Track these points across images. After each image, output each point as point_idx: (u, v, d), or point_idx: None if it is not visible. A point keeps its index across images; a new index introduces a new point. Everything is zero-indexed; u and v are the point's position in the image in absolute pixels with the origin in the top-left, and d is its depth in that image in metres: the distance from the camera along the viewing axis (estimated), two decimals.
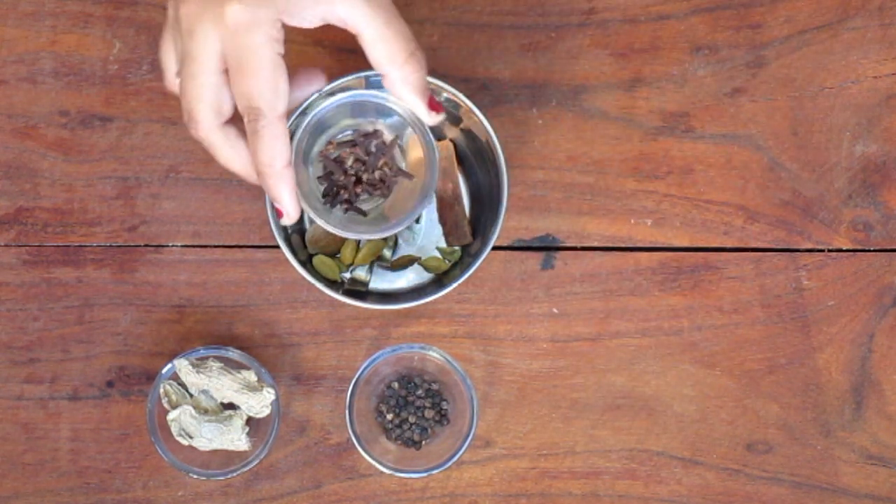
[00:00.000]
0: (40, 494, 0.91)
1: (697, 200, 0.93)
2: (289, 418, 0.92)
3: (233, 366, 0.87)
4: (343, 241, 0.89)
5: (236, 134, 0.74)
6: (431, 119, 0.75)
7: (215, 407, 0.88)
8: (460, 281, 0.84)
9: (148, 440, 0.90)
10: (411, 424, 0.90)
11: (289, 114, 0.73)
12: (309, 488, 0.92)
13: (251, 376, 0.87)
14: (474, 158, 0.89)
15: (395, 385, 0.91)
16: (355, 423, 0.88)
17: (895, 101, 0.94)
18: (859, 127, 0.93)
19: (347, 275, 0.90)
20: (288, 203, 0.73)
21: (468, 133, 0.88)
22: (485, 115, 0.84)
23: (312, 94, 0.78)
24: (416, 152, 0.90)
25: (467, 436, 0.87)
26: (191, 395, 0.87)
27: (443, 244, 0.91)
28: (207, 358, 0.87)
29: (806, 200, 0.93)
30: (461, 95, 0.84)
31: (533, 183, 0.93)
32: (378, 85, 0.86)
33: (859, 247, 0.93)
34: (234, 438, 0.87)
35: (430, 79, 0.84)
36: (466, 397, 0.88)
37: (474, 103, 0.84)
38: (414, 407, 0.91)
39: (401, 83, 0.73)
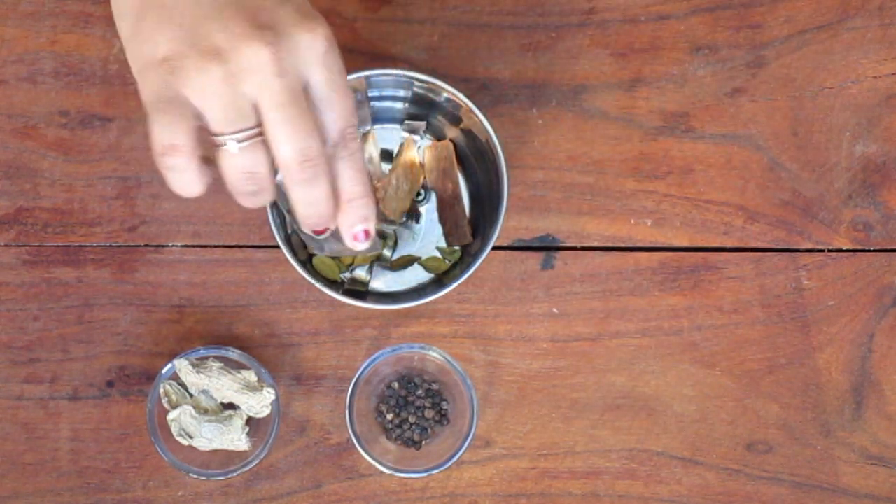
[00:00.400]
0: (40, 494, 0.91)
1: (697, 200, 0.93)
2: (289, 418, 0.92)
3: (233, 366, 0.87)
4: None
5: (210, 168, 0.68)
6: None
7: (215, 407, 0.88)
8: (460, 281, 0.84)
9: (148, 440, 0.90)
10: (411, 424, 0.90)
11: None
12: (309, 488, 0.92)
13: (251, 376, 0.87)
14: (474, 158, 0.90)
15: (395, 385, 0.91)
16: (355, 423, 0.88)
17: (895, 101, 0.94)
18: (859, 127, 0.93)
19: (347, 275, 0.90)
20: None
21: (468, 133, 0.88)
22: (485, 115, 0.84)
23: None
24: (409, 154, 0.90)
25: (467, 436, 0.87)
26: (191, 395, 0.87)
27: (443, 244, 0.91)
28: (207, 358, 0.87)
29: (806, 200, 0.93)
30: (461, 95, 0.84)
31: (533, 183, 0.93)
32: (379, 84, 0.87)
33: (859, 247, 0.93)
34: (234, 438, 0.87)
35: (430, 79, 0.84)
36: (466, 397, 0.88)
37: (474, 103, 0.84)
38: (414, 407, 0.91)
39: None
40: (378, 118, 0.91)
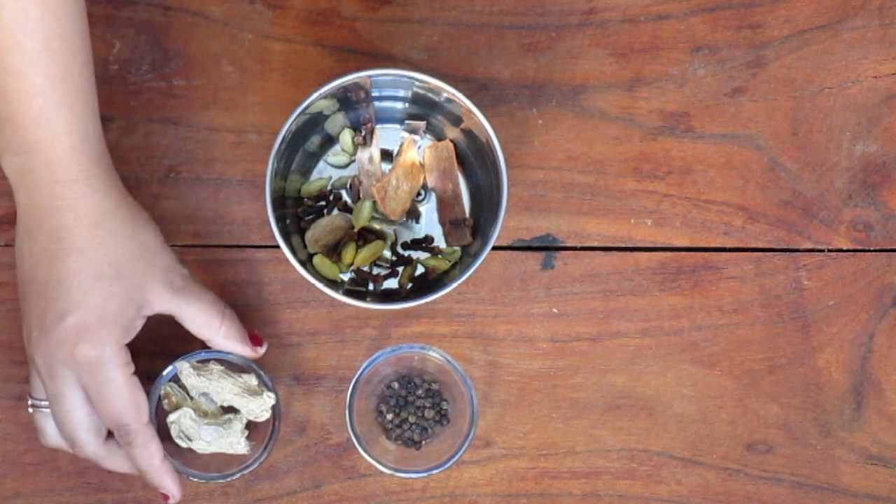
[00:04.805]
0: (40, 494, 0.91)
1: (697, 200, 0.93)
2: (289, 418, 0.92)
3: (234, 369, 0.87)
4: (343, 240, 0.89)
5: (117, 445, 0.84)
6: (257, 352, 0.86)
7: (215, 410, 0.88)
8: (460, 281, 0.84)
9: None
10: (411, 424, 0.90)
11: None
12: (309, 488, 0.92)
13: (251, 380, 0.87)
14: (474, 158, 0.89)
15: (395, 385, 0.91)
16: (355, 423, 0.88)
17: (895, 101, 0.94)
18: (859, 127, 0.93)
19: (348, 275, 0.90)
20: (172, 487, 0.84)
21: (468, 133, 0.88)
22: (485, 115, 0.84)
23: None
24: (409, 154, 0.90)
25: (467, 436, 0.87)
26: (191, 398, 0.87)
27: (443, 244, 0.91)
28: (208, 361, 0.87)
29: (806, 200, 0.93)
30: (461, 95, 0.84)
31: (533, 183, 0.93)
32: (379, 84, 0.87)
33: (859, 247, 0.93)
34: (234, 442, 0.87)
35: (430, 79, 0.84)
36: (466, 397, 0.88)
37: (474, 103, 0.84)
38: (414, 407, 0.91)
39: (224, 340, 0.85)
40: (378, 118, 0.91)
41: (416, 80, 0.85)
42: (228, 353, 0.86)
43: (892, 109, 0.94)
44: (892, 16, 0.94)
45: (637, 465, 0.92)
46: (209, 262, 0.92)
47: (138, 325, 0.82)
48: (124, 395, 0.81)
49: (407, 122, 0.91)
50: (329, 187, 0.91)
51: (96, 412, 0.82)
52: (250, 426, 0.88)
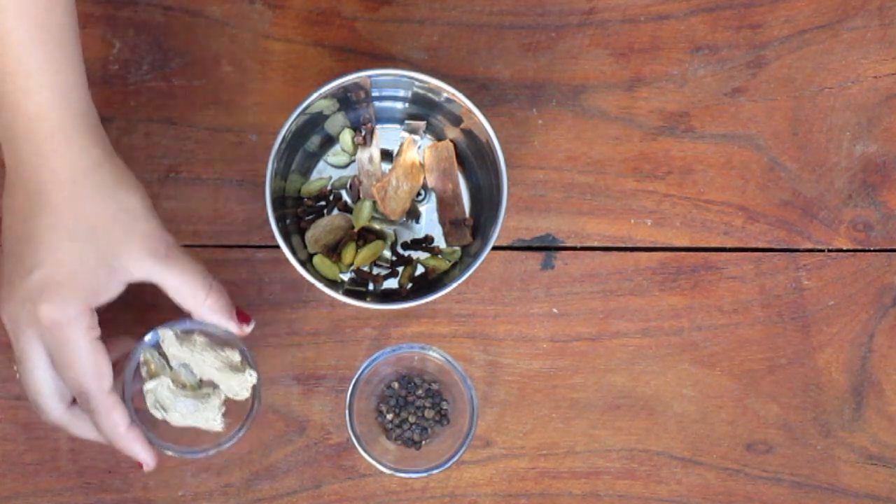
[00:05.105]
0: (40, 494, 0.91)
1: (697, 200, 0.93)
2: (289, 418, 0.92)
3: (217, 343, 0.84)
4: (343, 240, 0.89)
5: (81, 412, 0.80)
6: (244, 330, 0.83)
7: (194, 383, 0.84)
8: (460, 281, 0.84)
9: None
10: (411, 424, 0.90)
11: (120, 373, 0.81)
12: (309, 488, 0.92)
13: (235, 356, 0.84)
14: (474, 158, 0.89)
15: (395, 385, 0.91)
16: (355, 423, 0.88)
17: (895, 101, 0.94)
18: (859, 127, 0.93)
19: (347, 275, 0.90)
20: (143, 454, 0.81)
21: (468, 133, 0.88)
22: (485, 115, 0.84)
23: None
24: (409, 154, 0.90)
25: (467, 436, 0.87)
26: (171, 368, 0.84)
27: (443, 244, 0.91)
28: (193, 332, 0.83)
29: (806, 200, 0.93)
30: (461, 95, 0.84)
31: (533, 183, 0.93)
32: (379, 84, 0.87)
33: (859, 247, 0.93)
34: (210, 417, 0.83)
35: (430, 79, 0.84)
36: (466, 397, 0.88)
37: (474, 103, 0.84)
38: (414, 407, 0.91)
39: (210, 313, 0.81)
40: (378, 118, 0.91)
41: (416, 80, 0.85)
42: (214, 327, 0.83)
43: (892, 109, 0.94)
44: (892, 16, 0.94)
45: (637, 465, 0.92)
46: (209, 262, 0.92)
47: (113, 289, 0.79)
48: (85, 360, 0.77)
49: (407, 122, 0.91)
50: (329, 187, 0.91)
51: (60, 376, 0.79)
52: (228, 405, 0.85)
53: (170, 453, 0.83)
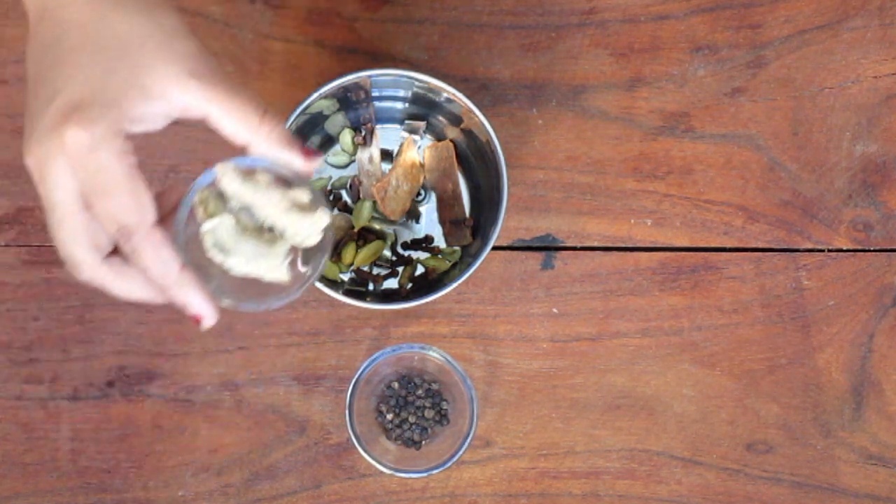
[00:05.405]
0: (40, 494, 0.91)
1: (697, 200, 0.93)
2: (289, 418, 0.92)
3: (282, 182, 0.70)
4: (343, 240, 0.89)
5: (121, 262, 0.68)
6: (308, 166, 0.70)
7: (257, 227, 0.71)
8: (460, 281, 0.84)
9: (148, 440, 0.90)
10: (411, 424, 0.90)
11: (167, 218, 0.69)
12: (309, 488, 0.92)
13: (303, 196, 0.70)
14: (474, 158, 0.90)
15: (395, 385, 0.91)
16: (355, 423, 0.88)
17: (895, 101, 0.94)
18: (859, 127, 0.93)
19: (347, 275, 0.90)
20: (201, 306, 0.68)
21: (468, 133, 0.88)
22: (485, 115, 0.84)
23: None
24: (409, 154, 0.90)
25: (467, 436, 0.87)
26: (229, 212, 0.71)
27: (443, 244, 0.91)
28: (255, 171, 0.70)
29: (806, 200, 0.93)
30: (461, 95, 0.84)
31: (533, 183, 0.93)
32: (379, 84, 0.87)
33: (859, 247, 0.93)
34: (274, 266, 0.70)
35: (430, 79, 0.84)
36: (466, 397, 0.88)
37: (474, 103, 0.84)
38: (414, 407, 0.91)
39: (266, 145, 0.68)
40: (378, 118, 0.91)
41: (416, 80, 0.85)
42: (274, 163, 0.69)
43: (892, 109, 0.94)
44: (892, 16, 0.94)
45: (637, 465, 0.92)
46: None
47: (149, 119, 0.67)
48: (123, 185, 0.66)
49: (407, 122, 0.91)
50: (329, 187, 0.91)
51: (96, 215, 0.67)
52: (293, 253, 0.72)
53: (227, 302, 0.69)
